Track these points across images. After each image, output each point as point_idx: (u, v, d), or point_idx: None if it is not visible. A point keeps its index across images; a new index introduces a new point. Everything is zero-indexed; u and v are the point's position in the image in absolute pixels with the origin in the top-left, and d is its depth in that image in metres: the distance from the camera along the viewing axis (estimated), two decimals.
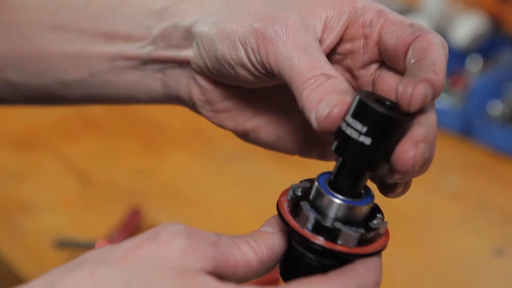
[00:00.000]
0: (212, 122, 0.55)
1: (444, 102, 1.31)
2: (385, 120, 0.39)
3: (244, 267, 0.40)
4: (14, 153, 1.17)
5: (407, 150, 0.39)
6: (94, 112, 1.33)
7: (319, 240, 0.40)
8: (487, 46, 1.37)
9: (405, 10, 1.46)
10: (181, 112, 1.36)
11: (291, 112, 0.51)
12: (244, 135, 0.54)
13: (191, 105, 0.54)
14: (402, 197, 1.18)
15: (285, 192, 0.43)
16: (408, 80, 0.40)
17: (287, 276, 0.41)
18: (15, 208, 1.02)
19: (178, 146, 1.22)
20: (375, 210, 0.42)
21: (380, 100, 0.41)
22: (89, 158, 1.17)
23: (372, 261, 0.40)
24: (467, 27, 1.35)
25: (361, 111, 0.40)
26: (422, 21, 1.39)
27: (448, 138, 1.27)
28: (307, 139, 0.51)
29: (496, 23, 1.39)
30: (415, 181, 1.17)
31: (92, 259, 0.37)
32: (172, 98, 0.55)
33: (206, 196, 1.05)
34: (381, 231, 0.41)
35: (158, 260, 0.37)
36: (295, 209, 0.41)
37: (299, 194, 0.42)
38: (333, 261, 0.41)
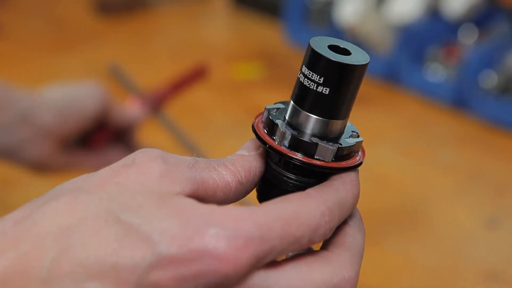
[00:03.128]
0: None
1: (438, 74, 1.30)
2: (340, 67, 0.39)
3: (223, 189, 0.40)
4: None
5: None
6: None
7: (297, 155, 0.40)
8: (482, 17, 1.36)
9: None
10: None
11: None
12: None
13: None
14: (396, 169, 1.17)
15: (260, 114, 0.43)
16: None
17: (265, 199, 0.41)
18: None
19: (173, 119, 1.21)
20: (351, 128, 0.43)
21: (334, 45, 0.41)
22: None
23: (348, 176, 0.40)
24: None
25: (315, 62, 0.40)
26: None
27: (442, 110, 1.26)
28: None
29: None
30: (408, 153, 1.16)
31: (69, 188, 0.37)
32: None
33: None
34: (357, 147, 0.42)
35: (136, 186, 0.36)
36: (271, 129, 0.41)
37: (274, 113, 0.42)
38: (311, 179, 0.41)
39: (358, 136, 0.42)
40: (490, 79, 1.22)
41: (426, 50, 1.34)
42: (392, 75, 1.34)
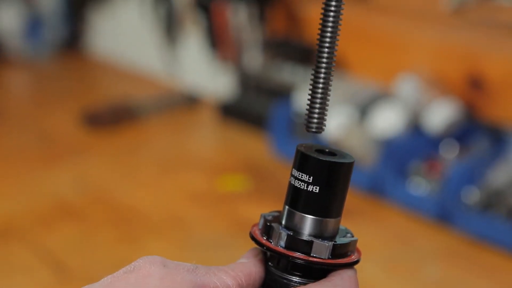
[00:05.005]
0: None
1: (422, 187, 1.32)
2: (327, 166, 0.42)
3: None
4: None
5: None
6: (71, 200, 1.33)
7: (293, 253, 0.41)
8: (462, 133, 1.39)
9: (380, 97, 1.49)
10: (160, 200, 1.36)
11: None
12: None
13: None
14: (379, 284, 1.17)
15: (256, 224, 0.45)
16: None
17: None
18: None
19: (157, 235, 1.21)
20: (345, 230, 0.44)
21: (320, 149, 0.43)
22: (66, 247, 1.16)
23: (345, 273, 0.41)
24: (442, 114, 1.37)
25: (303, 163, 0.42)
26: (397, 107, 1.41)
27: (426, 224, 1.27)
28: None
29: (470, 110, 1.41)
30: (393, 270, 1.16)
31: None
32: None
33: None
34: (352, 246, 0.43)
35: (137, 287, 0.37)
36: (268, 233, 0.43)
37: (270, 219, 0.44)
38: (310, 280, 0.42)
39: (352, 237, 0.44)
40: (473, 195, 1.24)
41: (409, 164, 1.36)
42: (376, 188, 1.36)
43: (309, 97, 0.43)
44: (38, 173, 1.44)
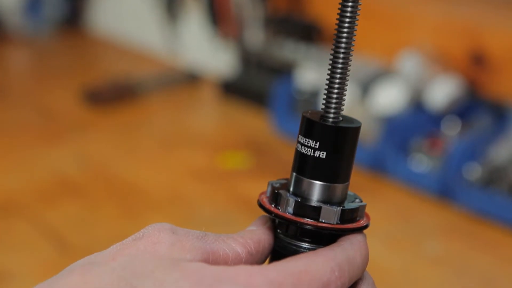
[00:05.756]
0: None
1: (423, 164, 1.32)
2: (333, 131, 0.41)
3: (234, 260, 0.40)
4: None
5: None
6: (73, 176, 1.33)
7: (302, 219, 0.41)
8: (464, 109, 1.39)
9: (381, 73, 1.48)
10: (161, 177, 1.36)
11: None
12: None
13: None
14: (381, 260, 1.17)
15: (263, 192, 0.44)
16: None
17: None
18: None
19: (158, 211, 1.22)
20: (354, 196, 0.44)
21: (325, 115, 0.43)
22: (67, 223, 1.16)
23: (355, 237, 0.41)
24: (444, 91, 1.37)
25: (309, 129, 0.42)
26: (399, 84, 1.40)
27: (427, 200, 1.27)
28: None
29: (472, 86, 1.41)
30: (394, 245, 1.16)
31: (81, 264, 0.37)
32: None
33: None
34: (361, 211, 0.43)
35: (147, 255, 0.37)
36: (276, 200, 0.43)
37: (278, 186, 0.43)
38: (319, 246, 0.41)
39: (361, 202, 0.43)
40: (474, 171, 1.24)
41: (411, 141, 1.36)
42: (378, 165, 1.36)
43: (326, 87, 0.42)
44: (39, 150, 1.44)
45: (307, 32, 1.67)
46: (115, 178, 1.33)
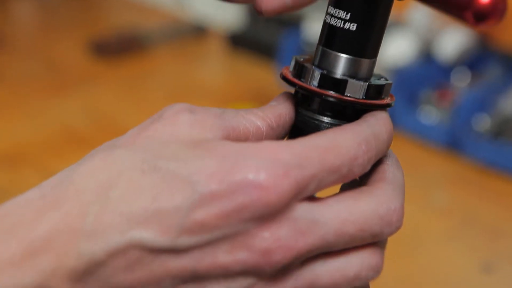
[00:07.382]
0: None
1: (432, 116, 1.31)
2: (366, 1, 0.40)
3: (255, 134, 0.39)
4: (0, 171, 1.16)
5: None
6: (80, 128, 1.33)
7: (327, 92, 0.40)
8: (474, 60, 1.37)
9: (391, 24, 1.46)
10: None
11: None
12: None
13: None
14: None
15: (287, 67, 0.43)
16: None
17: None
18: None
19: None
20: (380, 75, 0.43)
21: None
22: None
23: (379, 113, 0.40)
24: (454, 41, 1.35)
25: None
26: (408, 35, 1.39)
27: (435, 152, 1.27)
28: None
29: (483, 37, 1.39)
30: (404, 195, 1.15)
31: (102, 148, 0.37)
32: None
33: None
34: (387, 89, 0.41)
35: (167, 136, 0.37)
36: (300, 73, 0.41)
37: (302, 60, 0.42)
38: (342, 121, 0.40)
39: (387, 80, 0.42)
40: (484, 122, 1.23)
41: (420, 92, 1.35)
42: None
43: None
44: (46, 102, 1.43)
45: None
46: (122, 129, 1.33)
